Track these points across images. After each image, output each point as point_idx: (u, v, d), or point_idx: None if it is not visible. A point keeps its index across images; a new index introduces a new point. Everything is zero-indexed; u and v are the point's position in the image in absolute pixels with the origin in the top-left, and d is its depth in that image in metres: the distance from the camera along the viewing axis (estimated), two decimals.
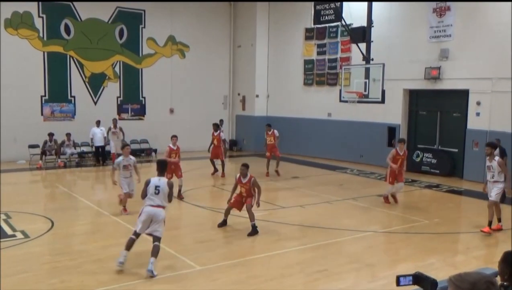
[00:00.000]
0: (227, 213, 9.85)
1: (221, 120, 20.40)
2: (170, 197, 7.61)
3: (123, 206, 10.89)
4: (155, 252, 7.18)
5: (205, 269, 7.44)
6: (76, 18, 19.92)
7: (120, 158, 10.99)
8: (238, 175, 9.68)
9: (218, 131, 16.04)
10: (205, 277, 7.17)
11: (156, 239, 7.31)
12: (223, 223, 9.86)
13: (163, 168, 7.78)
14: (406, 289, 3.11)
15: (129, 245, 7.33)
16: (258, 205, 9.52)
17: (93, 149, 19.06)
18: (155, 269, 7.05)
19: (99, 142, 18.59)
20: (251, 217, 9.37)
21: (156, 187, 7.48)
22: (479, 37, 15.31)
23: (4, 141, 17.92)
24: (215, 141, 15.95)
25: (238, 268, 7.57)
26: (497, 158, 9.91)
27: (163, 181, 7.57)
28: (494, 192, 9.79)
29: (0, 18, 18.19)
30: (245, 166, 9.58)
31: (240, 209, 9.71)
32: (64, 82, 19.97)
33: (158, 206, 7.43)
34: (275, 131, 16.23)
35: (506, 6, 14.51)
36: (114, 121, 18.70)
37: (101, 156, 18.72)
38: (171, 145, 12.79)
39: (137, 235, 7.44)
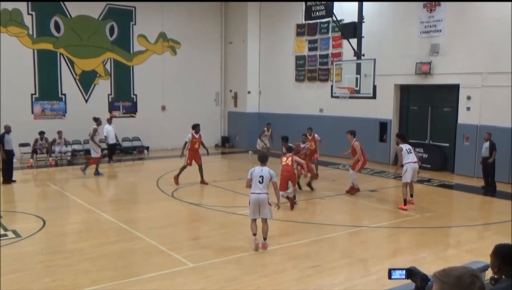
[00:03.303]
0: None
1: (269, 123, 19.22)
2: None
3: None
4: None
5: (198, 266, 7.44)
6: (65, 15, 19.77)
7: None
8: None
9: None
10: (198, 274, 7.17)
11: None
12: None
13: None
14: (397, 283, 3.13)
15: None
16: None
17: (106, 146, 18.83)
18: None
19: (113, 140, 18.57)
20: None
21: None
22: (470, 32, 15.39)
23: None
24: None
25: (231, 265, 7.58)
26: (399, 146, 11.61)
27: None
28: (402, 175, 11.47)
29: None
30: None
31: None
32: (54, 80, 19.82)
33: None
34: (316, 135, 15.20)
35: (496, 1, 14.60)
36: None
37: (113, 153, 18.88)
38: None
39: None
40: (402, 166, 11.46)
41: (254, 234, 8.31)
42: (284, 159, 11.50)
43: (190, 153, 13.93)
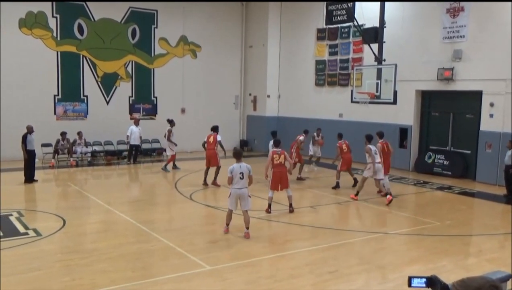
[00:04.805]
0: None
1: (319, 128, 18.35)
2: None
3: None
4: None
5: (215, 269, 7.45)
6: (89, 18, 20.09)
7: None
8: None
9: None
10: (215, 277, 7.17)
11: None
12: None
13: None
14: None
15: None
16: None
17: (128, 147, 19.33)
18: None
19: (135, 141, 18.73)
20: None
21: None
22: (493, 38, 15.16)
23: (17, 140, 18.09)
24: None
25: (248, 268, 7.57)
26: (368, 146, 12.38)
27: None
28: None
29: (5, 19, 18.42)
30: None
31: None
32: (77, 81, 20.15)
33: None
34: (301, 138, 15.89)
35: None
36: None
37: (136, 155, 19.05)
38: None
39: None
40: (373, 163, 12.27)
41: (227, 224, 9.31)
42: (276, 156, 11.09)
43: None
